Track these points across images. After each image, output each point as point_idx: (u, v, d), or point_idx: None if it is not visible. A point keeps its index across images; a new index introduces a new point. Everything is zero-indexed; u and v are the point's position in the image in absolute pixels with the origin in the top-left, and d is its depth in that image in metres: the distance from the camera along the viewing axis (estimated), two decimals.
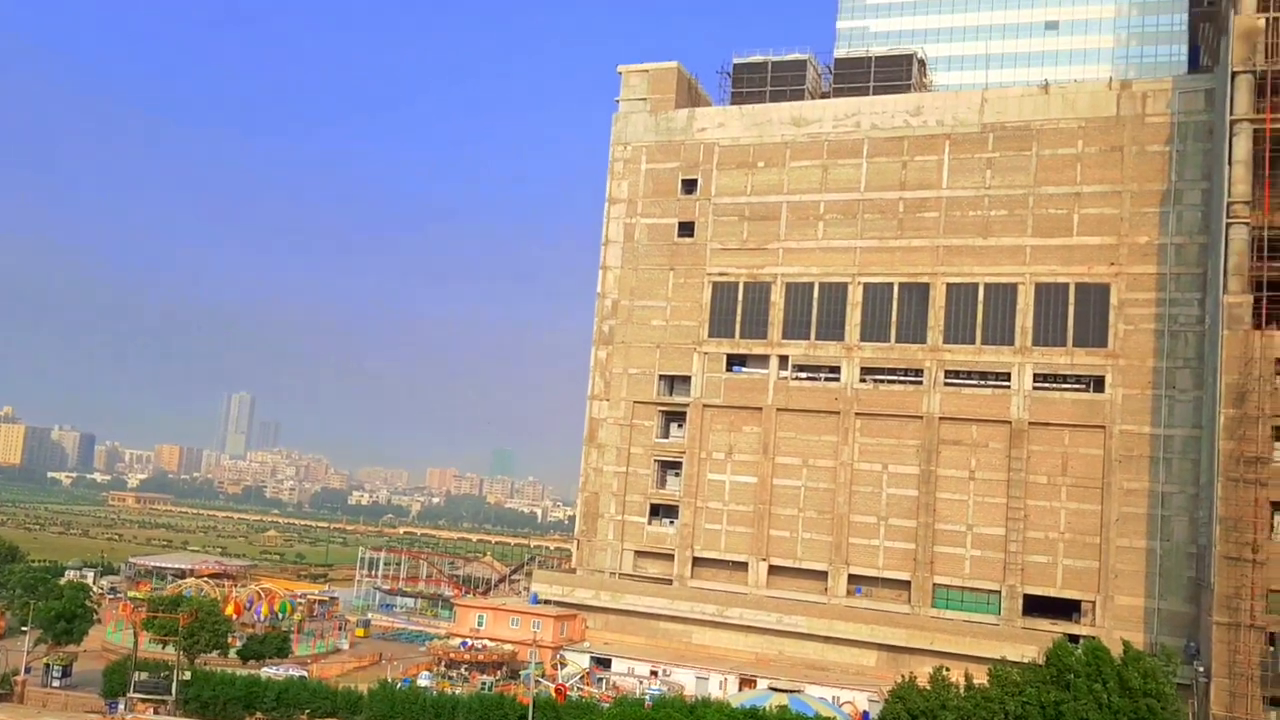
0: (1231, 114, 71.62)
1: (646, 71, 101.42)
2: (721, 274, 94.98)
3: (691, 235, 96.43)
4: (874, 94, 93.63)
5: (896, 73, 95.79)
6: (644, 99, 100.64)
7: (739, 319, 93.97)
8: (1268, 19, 72.07)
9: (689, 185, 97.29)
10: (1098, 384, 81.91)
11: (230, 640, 75.20)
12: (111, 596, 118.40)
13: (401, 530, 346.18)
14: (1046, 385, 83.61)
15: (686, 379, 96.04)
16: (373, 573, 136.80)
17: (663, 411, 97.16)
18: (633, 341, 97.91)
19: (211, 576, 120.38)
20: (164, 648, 72.34)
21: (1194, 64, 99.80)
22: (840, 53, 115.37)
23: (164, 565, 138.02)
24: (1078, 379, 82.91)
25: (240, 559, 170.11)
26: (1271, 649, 66.24)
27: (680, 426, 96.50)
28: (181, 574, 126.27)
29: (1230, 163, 71.42)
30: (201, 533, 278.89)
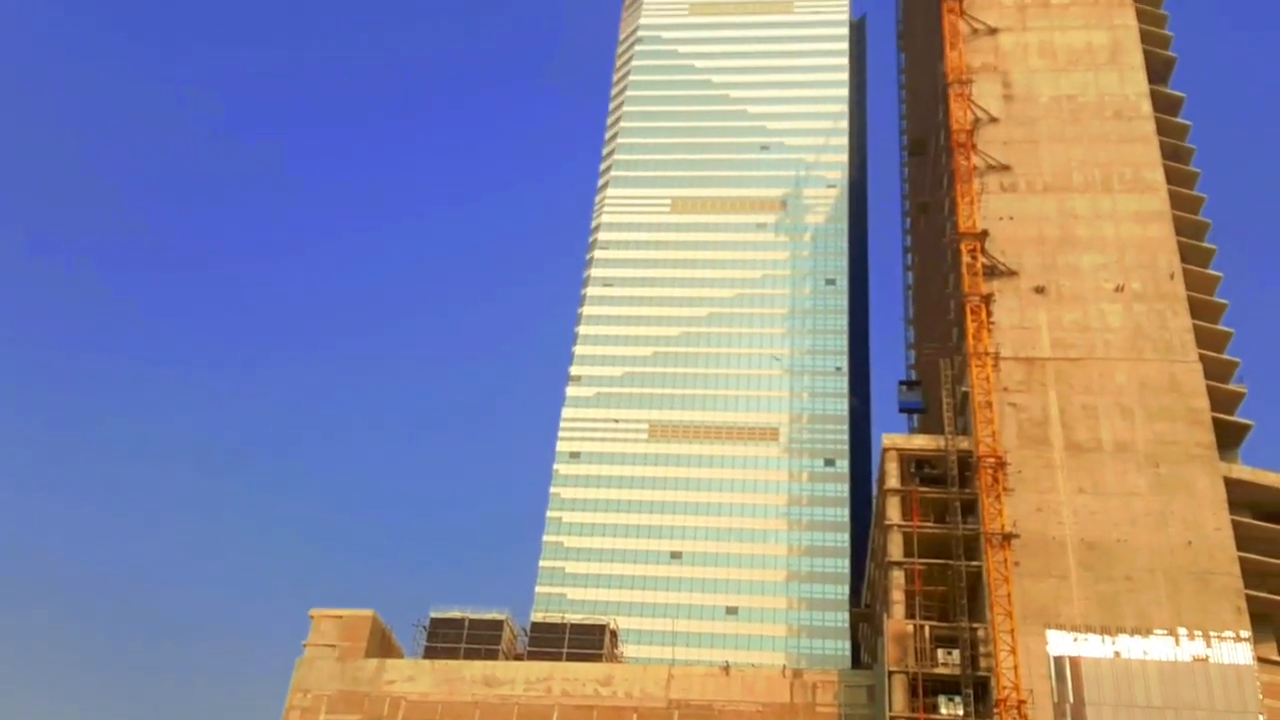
0: (890, 711, 76.98)
1: (340, 618, 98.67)
2: None
3: None
4: (567, 659, 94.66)
5: (590, 641, 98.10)
6: (334, 645, 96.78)
7: None
8: (915, 625, 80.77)
9: None
10: None
11: None
12: None
13: None
14: None
15: None
16: None
17: None
18: None
19: None
20: None
21: (856, 659, 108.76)
22: (537, 616, 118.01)
23: None
24: None
25: None
26: None
27: None
28: None
29: None
30: None
